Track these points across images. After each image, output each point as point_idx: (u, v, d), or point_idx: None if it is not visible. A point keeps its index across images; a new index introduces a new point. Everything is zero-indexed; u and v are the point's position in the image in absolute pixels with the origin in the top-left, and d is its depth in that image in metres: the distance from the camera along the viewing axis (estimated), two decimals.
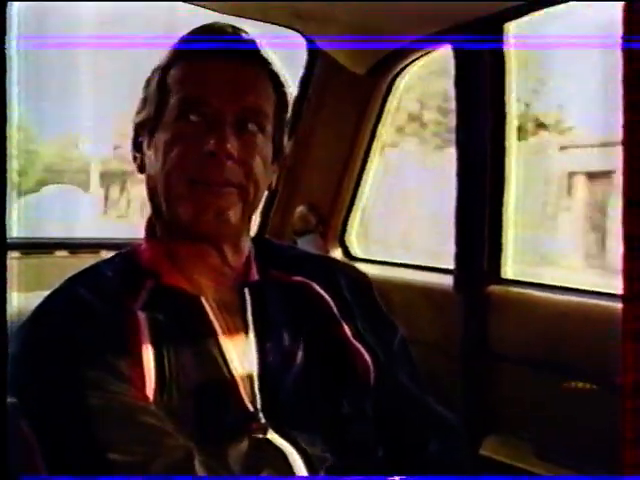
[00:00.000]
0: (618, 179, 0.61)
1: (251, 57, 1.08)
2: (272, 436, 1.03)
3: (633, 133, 0.60)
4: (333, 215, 2.28)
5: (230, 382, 1.03)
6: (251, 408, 1.03)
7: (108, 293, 1.06)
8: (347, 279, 1.20)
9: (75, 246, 2.04)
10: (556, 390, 1.67)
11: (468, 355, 1.87)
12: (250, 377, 1.05)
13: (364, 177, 2.24)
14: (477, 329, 1.85)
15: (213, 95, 1.05)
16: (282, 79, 1.12)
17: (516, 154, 1.85)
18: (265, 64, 1.10)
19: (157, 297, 1.06)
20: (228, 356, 1.04)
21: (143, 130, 1.11)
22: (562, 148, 7.95)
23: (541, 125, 8.08)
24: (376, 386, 1.12)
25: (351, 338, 1.12)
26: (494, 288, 1.86)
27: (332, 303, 1.14)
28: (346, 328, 1.13)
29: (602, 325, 1.54)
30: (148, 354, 1.00)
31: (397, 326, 1.23)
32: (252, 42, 1.10)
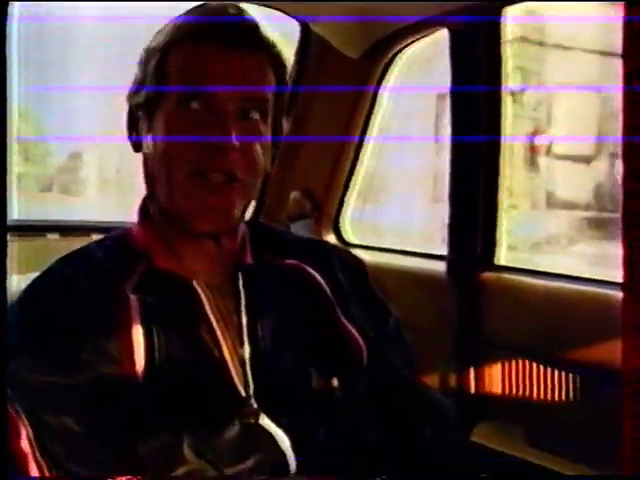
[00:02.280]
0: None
1: (253, 39, 1.06)
2: (264, 421, 1.02)
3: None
4: (327, 201, 2.27)
5: (222, 366, 1.03)
6: (243, 392, 1.03)
7: (99, 275, 1.05)
8: (341, 263, 1.19)
9: (67, 229, 2.04)
10: (549, 378, 1.67)
11: (461, 341, 1.87)
12: (242, 361, 1.04)
13: (359, 162, 2.24)
14: (470, 315, 1.85)
15: (215, 84, 1.02)
16: (282, 60, 1.10)
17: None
18: (266, 46, 1.07)
19: (149, 280, 1.05)
20: (220, 340, 1.04)
21: (140, 112, 1.08)
22: None
23: None
24: (369, 369, 1.12)
25: (344, 320, 1.12)
26: (487, 275, 1.85)
27: (326, 286, 1.13)
28: (339, 311, 1.12)
29: (597, 313, 1.55)
30: (138, 337, 0.99)
31: (391, 310, 1.22)
32: (254, 24, 1.07)
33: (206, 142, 1.00)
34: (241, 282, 1.09)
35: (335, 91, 2.13)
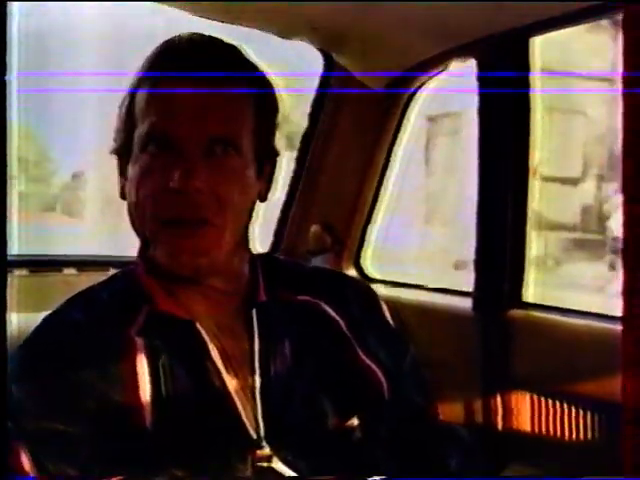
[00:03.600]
0: None
1: (223, 67, 0.99)
2: (277, 465, 0.99)
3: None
4: (348, 235, 2.24)
5: (230, 408, 0.99)
6: (254, 435, 0.99)
7: (104, 317, 1.03)
8: (354, 294, 1.16)
9: (83, 263, 2.02)
10: (579, 419, 1.64)
11: (488, 378, 1.83)
12: (253, 402, 1.00)
13: (380, 195, 2.21)
14: (497, 353, 1.81)
15: (177, 125, 0.97)
16: (265, 81, 1.05)
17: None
18: (242, 70, 1.02)
19: (153, 323, 1.02)
20: (226, 381, 1.00)
21: (118, 158, 1.06)
22: None
23: None
24: (390, 403, 1.08)
25: (362, 355, 1.08)
26: (515, 312, 1.82)
27: (341, 321, 1.10)
28: (356, 345, 1.08)
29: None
30: (144, 381, 0.97)
31: (407, 341, 1.18)
32: (225, 49, 1.02)
33: (168, 188, 0.95)
34: (255, 320, 1.05)
35: (358, 122, 2.11)
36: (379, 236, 2.28)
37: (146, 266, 1.07)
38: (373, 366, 1.07)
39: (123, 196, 1.05)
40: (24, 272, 1.87)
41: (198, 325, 1.02)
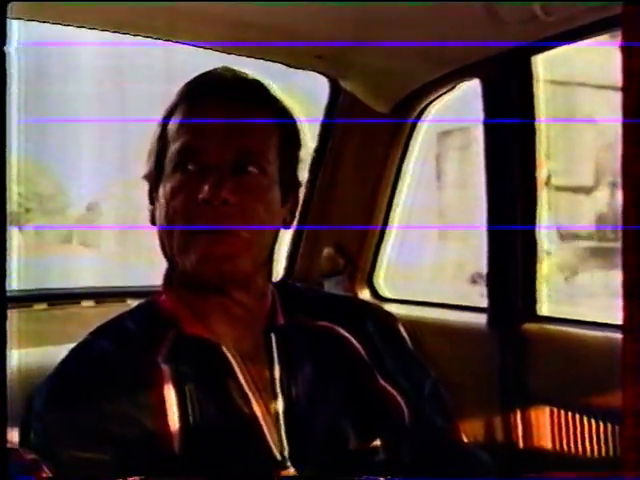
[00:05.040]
0: None
1: (251, 99, 1.07)
2: None
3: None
4: (360, 256, 2.24)
5: (256, 430, 1.01)
6: (279, 457, 1.01)
7: (131, 346, 1.05)
8: (373, 320, 1.18)
9: (100, 295, 2.03)
10: (599, 431, 1.63)
11: (505, 394, 1.82)
12: (277, 425, 1.03)
13: (391, 216, 2.22)
14: (513, 367, 1.81)
15: (208, 142, 1.03)
16: (289, 115, 1.10)
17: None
18: (268, 103, 1.08)
19: (179, 347, 1.05)
20: (253, 404, 1.02)
21: (151, 182, 1.10)
22: None
23: None
24: (412, 429, 1.09)
25: (382, 381, 1.10)
26: (529, 325, 1.82)
27: (360, 347, 1.12)
28: (376, 371, 1.10)
29: None
30: (172, 407, 0.99)
31: (427, 366, 1.20)
32: (253, 83, 1.09)
33: (198, 200, 1.00)
34: (274, 343, 1.07)
35: (366, 143, 2.13)
36: (392, 254, 2.29)
37: (171, 290, 1.10)
38: (392, 390, 1.09)
39: (153, 221, 1.10)
40: (43, 306, 1.89)
41: (224, 348, 1.04)
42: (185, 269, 1.03)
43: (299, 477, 1.00)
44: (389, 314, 1.26)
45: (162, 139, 1.07)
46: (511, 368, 1.81)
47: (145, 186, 1.13)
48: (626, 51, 0.58)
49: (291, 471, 1.00)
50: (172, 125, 1.07)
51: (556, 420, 1.74)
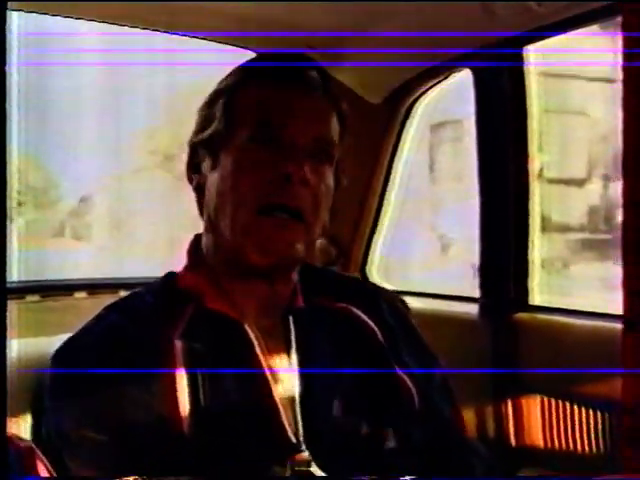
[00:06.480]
0: None
1: (320, 88, 1.07)
2: (315, 469, 0.99)
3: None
4: (353, 247, 2.25)
5: (272, 411, 1.00)
6: (294, 439, 1.00)
7: (146, 321, 1.04)
8: (387, 304, 1.18)
9: (93, 287, 2.03)
10: (589, 419, 1.65)
11: (497, 383, 1.83)
12: (293, 406, 1.02)
13: (384, 207, 2.22)
14: (505, 357, 1.82)
15: (289, 121, 1.03)
16: (345, 111, 1.10)
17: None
18: (332, 96, 1.08)
19: (197, 323, 1.03)
20: (271, 383, 1.01)
21: (204, 150, 1.08)
22: None
23: None
24: (420, 415, 1.09)
25: (395, 366, 1.09)
26: (521, 315, 1.83)
27: (377, 331, 1.11)
28: (390, 356, 1.10)
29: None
30: (183, 385, 0.98)
31: (435, 354, 1.19)
32: (323, 70, 1.09)
33: (278, 174, 1.00)
34: (292, 325, 1.07)
35: (359, 134, 2.12)
36: (385, 245, 2.29)
37: (198, 266, 1.08)
38: (404, 376, 1.09)
39: (199, 190, 1.08)
40: (36, 297, 1.89)
41: (246, 325, 1.03)
42: (244, 252, 1.02)
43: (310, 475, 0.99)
44: (401, 299, 1.27)
45: (229, 109, 1.06)
46: (503, 357, 1.82)
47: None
48: (627, 46, 0.59)
49: (305, 455, 1.00)
50: (243, 97, 1.06)
51: (547, 408, 1.76)
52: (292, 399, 1.02)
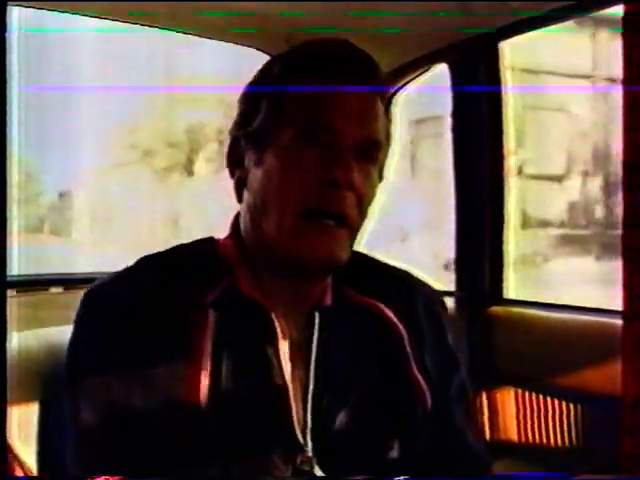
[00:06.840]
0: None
1: (372, 79, 1.00)
2: (317, 472, 0.98)
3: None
4: None
5: (284, 406, 0.99)
6: (301, 439, 0.99)
7: (181, 281, 1.01)
8: (425, 306, 1.12)
9: (69, 281, 2.01)
10: (557, 410, 1.68)
11: (472, 376, 1.85)
12: (304, 406, 1.00)
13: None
14: (481, 351, 1.83)
15: (338, 122, 0.97)
16: (390, 109, 1.08)
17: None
18: (383, 94, 1.03)
19: (229, 298, 1.01)
20: (287, 377, 1.00)
21: (248, 144, 1.03)
22: None
23: None
24: (430, 421, 1.06)
25: (415, 370, 1.06)
26: (496, 308, 1.85)
27: (404, 332, 1.07)
28: (412, 360, 1.06)
29: (604, 342, 1.53)
30: (208, 355, 0.96)
31: (460, 361, 1.15)
32: (374, 62, 1.02)
33: (324, 178, 0.96)
34: (317, 324, 1.04)
35: None
36: (366, 242, 2.29)
37: (236, 242, 1.05)
38: (422, 381, 1.06)
39: (241, 184, 1.04)
40: (11, 293, 1.87)
41: (273, 315, 1.01)
42: (289, 253, 0.98)
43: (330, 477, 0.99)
44: (442, 302, 1.20)
45: (276, 104, 1.01)
46: (478, 350, 1.83)
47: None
48: (627, 42, 0.59)
49: (308, 454, 0.99)
50: (292, 93, 0.99)
51: (520, 401, 1.77)
52: (305, 398, 1.00)
